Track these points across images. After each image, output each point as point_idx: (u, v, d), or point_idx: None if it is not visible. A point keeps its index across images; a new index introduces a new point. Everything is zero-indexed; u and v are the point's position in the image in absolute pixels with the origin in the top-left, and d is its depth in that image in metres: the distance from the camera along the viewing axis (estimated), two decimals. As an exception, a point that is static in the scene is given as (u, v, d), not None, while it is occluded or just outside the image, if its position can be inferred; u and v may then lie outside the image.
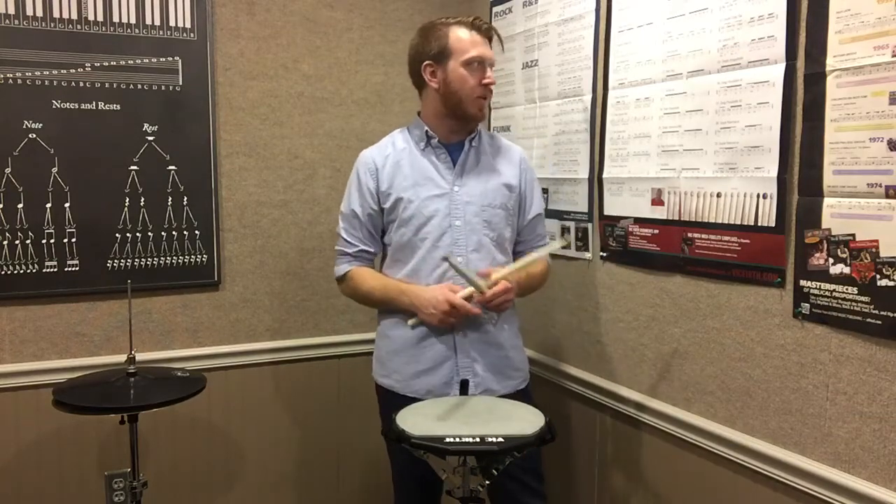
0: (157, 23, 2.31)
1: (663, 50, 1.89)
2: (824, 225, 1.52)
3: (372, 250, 1.99)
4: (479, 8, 2.66)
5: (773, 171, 1.61)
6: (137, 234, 2.34)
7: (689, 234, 1.84)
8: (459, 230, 1.89)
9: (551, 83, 2.31)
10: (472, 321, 1.88)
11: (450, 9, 2.68)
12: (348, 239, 1.99)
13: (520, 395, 1.92)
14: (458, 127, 1.94)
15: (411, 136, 1.98)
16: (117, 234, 2.32)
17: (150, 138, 2.34)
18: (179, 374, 2.10)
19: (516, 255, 2.02)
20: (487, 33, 1.91)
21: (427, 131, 1.94)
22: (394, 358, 1.94)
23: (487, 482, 1.51)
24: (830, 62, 1.49)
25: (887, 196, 1.40)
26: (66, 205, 2.25)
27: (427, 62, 1.90)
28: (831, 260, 1.51)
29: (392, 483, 2.04)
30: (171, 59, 2.34)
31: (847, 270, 1.48)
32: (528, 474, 1.91)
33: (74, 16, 2.21)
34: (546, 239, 2.10)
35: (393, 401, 1.87)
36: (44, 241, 2.23)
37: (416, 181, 1.91)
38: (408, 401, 1.80)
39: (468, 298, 1.80)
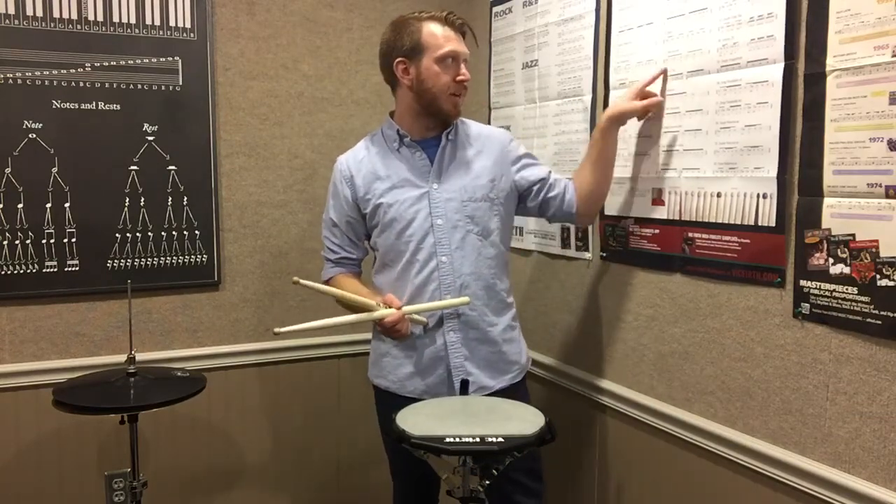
0: (157, 23, 2.31)
1: (663, 50, 1.89)
2: (824, 225, 1.52)
3: (354, 256, 1.99)
4: (478, 8, 2.66)
5: (773, 171, 1.61)
6: (137, 234, 2.34)
7: (690, 234, 1.84)
8: (441, 229, 1.86)
9: (551, 83, 2.31)
10: (463, 320, 1.88)
11: (449, 9, 2.68)
12: (330, 246, 2.00)
13: (514, 389, 1.92)
14: (433, 124, 1.90)
15: (384, 137, 1.94)
16: (117, 234, 2.32)
17: (150, 138, 2.34)
18: (179, 374, 2.10)
19: (563, 196, 1.96)
20: (461, 28, 1.87)
21: (399, 131, 1.90)
22: (387, 360, 1.94)
23: (488, 482, 1.51)
24: (830, 62, 1.49)
25: (887, 196, 1.40)
26: (66, 205, 2.25)
27: (399, 58, 1.86)
28: (831, 260, 1.51)
29: (391, 479, 2.05)
30: (171, 59, 2.34)
31: (847, 270, 1.48)
32: (523, 474, 1.90)
33: (74, 16, 2.21)
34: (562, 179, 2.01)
35: (392, 402, 1.88)
36: (44, 241, 2.23)
37: (394, 184, 1.88)
38: (405, 401, 1.80)
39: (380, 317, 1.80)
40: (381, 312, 1.79)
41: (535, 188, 1.97)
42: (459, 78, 1.84)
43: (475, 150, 1.94)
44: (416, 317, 1.85)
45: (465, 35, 1.89)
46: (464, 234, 1.87)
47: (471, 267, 1.88)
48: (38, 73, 2.19)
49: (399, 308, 1.80)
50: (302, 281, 1.76)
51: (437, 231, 1.86)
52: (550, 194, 1.97)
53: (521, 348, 2.01)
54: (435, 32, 1.84)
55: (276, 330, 1.74)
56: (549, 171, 2.00)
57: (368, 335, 2.19)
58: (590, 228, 2.18)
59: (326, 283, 2.01)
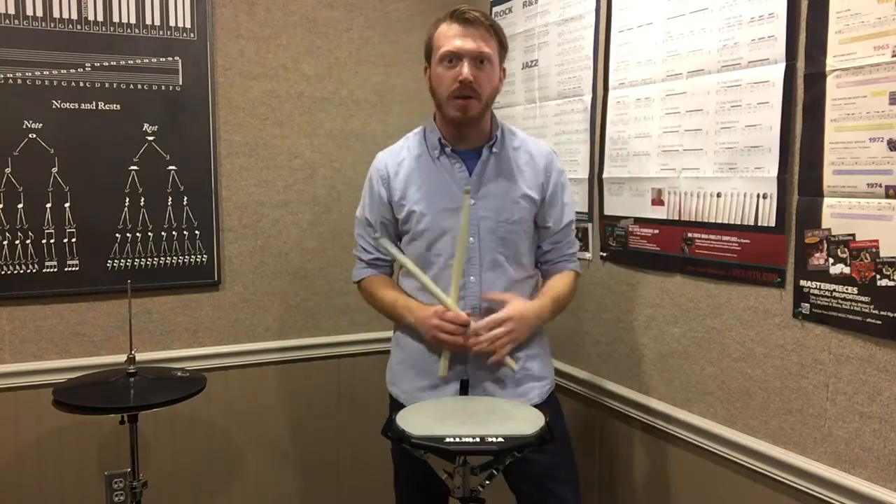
0: (157, 23, 2.31)
1: (663, 50, 1.89)
2: (824, 225, 1.52)
3: (387, 258, 1.90)
4: (478, 8, 2.66)
5: (773, 171, 1.61)
6: (137, 234, 2.34)
7: (690, 234, 1.84)
8: (473, 248, 1.76)
9: (551, 83, 2.31)
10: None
11: (450, 9, 2.68)
12: (364, 246, 1.91)
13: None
14: (462, 133, 1.78)
15: (427, 141, 1.83)
16: (117, 234, 2.32)
17: (150, 138, 2.33)
18: (179, 374, 2.10)
19: (544, 263, 1.89)
20: (471, 22, 1.69)
21: (440, 139, 1.79)
22: (403, 370, 1.87)
23: (488, 482, 1.51)
24: (830, 62, 1.49)
25: (887, 196, 1.40)
26: (66, 205, 2.25)
27: (426, 64, 1.80)
28: (831, 260, 1.51)
29: (394, 486, 2.02)
30: (171, 59, 2.34)
31: (847, 270, 1.48)
32: (561, 485, 1.81)
33: (74, 16, 2.21)
34: (576, 246, 1.93)
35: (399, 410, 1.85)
36: (44, 241, 2.23)
37: (430, 193, 1.78)
38: None
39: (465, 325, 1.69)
40: (458, 312, 1.70)
41: (553, 239, 1.87)
42: (460, 78, 1.68)
43: (520, 168, 1.82)
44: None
45: (482, 27, 1.71)
46: (494, 256, 1.79)
47: (499, 289, 1.78)
48: (38, 73, 2.19)
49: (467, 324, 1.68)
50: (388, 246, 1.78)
51: (469, 249, 1.76)
52: (547, 257, 1.88)
53: (546, 371, 1.88)
54: (441, 32, 1.73)
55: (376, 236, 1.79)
56: (565, 227, 1.86)
57: (369, 335, 2.20)
58: (590, 228, 2.18)
59: (358, 283, 1.94)
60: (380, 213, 1.86)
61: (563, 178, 1.88)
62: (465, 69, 1.69)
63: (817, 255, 1.54)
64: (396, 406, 1.83)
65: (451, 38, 1.71)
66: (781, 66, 1.59)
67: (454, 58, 1.70)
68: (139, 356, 2.06)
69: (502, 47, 1.78)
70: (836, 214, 1.49)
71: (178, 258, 2.40)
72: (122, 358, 2.04)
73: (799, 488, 1.60)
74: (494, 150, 1.80)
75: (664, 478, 1.97)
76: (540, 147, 1.89)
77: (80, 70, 2.23)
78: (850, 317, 1.48)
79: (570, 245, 1.91)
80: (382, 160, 1.87)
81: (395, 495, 2.01)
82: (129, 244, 2.34)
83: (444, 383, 1.80)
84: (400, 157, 1.85)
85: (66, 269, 2.26)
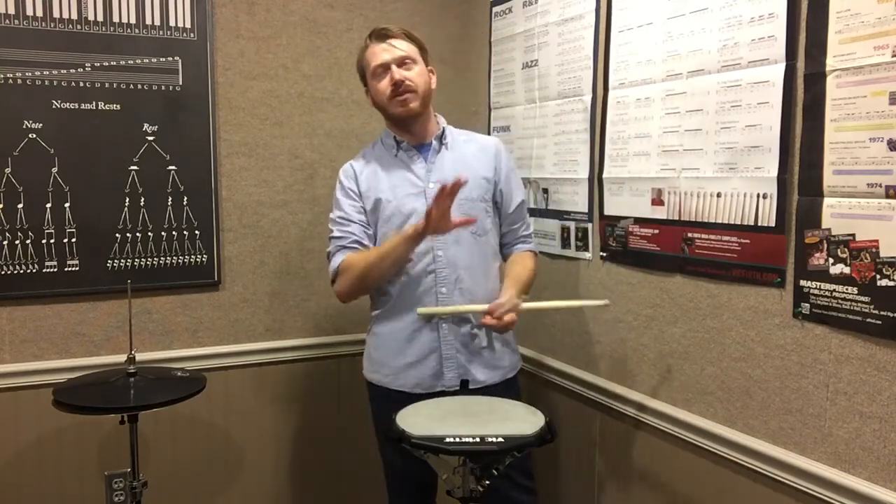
0: (157, 23, 2.31)
1: (663, 50, 1.89)
2: (824, 225, 1.52)
3: (366, 243, 1.96)
4: (479, 8, 2.66)
5: (773, 171, 1.61)
6: (137, 234, 2.34)
7: (689, 234, 1.84)
8: None
9: (551, 83, 2.31)
10: (458, 320, 1.93)
11: (449, 9, 2.69)
12: (342, 235, 1.96)
13: (506, 386, 1.96)
14: (411, 131, 1.99)
15: (384, 144, 2.05)
16: (117, 234, 2.32)
17: (150, 138, 2.34)
18: (179, 374, 2.10)
19: (503, 245, 2.09)
20: (388, 36, 1.95)
21: (395, 137, 2.01)
22: (382, 353, 1.98)
23: (487, 482, 1.51)
24: (830, 62, 1.49)
25: (887, 196, 1.40)
26: (66, 205, 2.25)
27: (365, 89, 2.03)
28: (831, 260, 1.51)
29: (385, 483, 2.06)
30: (171, 59, 2.34)
31: (847, 270, 1.48)
32: (516, 471, 1.90)
33: (74, 16, 2.21)
34: (531, 227, 2.14)
35: (385, 397, 1.93)
36: (44, 241, 2.23)
37: (393, 182, 1.97)
38: (398, 395, 1.86)
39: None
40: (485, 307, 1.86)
41: (508, 220, 2.07)
42: (394, 81, 1.91)
43: (472, 154, 2.04)
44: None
45: (398, 37, 1.96)
46: (459, 231, 1.89)
47: (466, 261, 1.94)
48: (38, 73, 2.19)
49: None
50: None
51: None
52: (505, 240, 2.09)
53: (512, 348, 2.06)
54: (368, 54, 1.97)
55: (420, 310, 1.92)
56: (518, 207, 2.07)
57: (369, 335, 2.19)
58: (590, 228, 2.18)
59: (336, 272, 1.97)
60: (357, 205, 1.99)
61: (512, 163, 2.11)
62: (396, 73, 1.92)
63: (817, 255, 1.54)
64: (379, 392, 1.98)
65: (377, 54, 1.95)
66: (781, 66, 1.59)
67: (382, 69, 1.94)
68: (139, 356, 2.07)
69: (422, 49, 2.01)
70: (836, 214, 1.50)
71: (178, 258, 2.40)
72: (122, 358, 2.04)
73: (799, 488, 1.60)
74: (444, 140, 2.02)
75: (664, 478, 1.97)
76: (487, 138, 2.16)
77: (80, 70, 2.23)
78: (850, 317, 1.48)
79: (526, 227, 2.12)
80: (349, 164, 2.06)
81: (387, 488, 2.08)
82: (129, 244, 2.34)
83: (419, 359, 1.93)
84: (363, 161, 2.05)
85: (66, 269, 2.26)
